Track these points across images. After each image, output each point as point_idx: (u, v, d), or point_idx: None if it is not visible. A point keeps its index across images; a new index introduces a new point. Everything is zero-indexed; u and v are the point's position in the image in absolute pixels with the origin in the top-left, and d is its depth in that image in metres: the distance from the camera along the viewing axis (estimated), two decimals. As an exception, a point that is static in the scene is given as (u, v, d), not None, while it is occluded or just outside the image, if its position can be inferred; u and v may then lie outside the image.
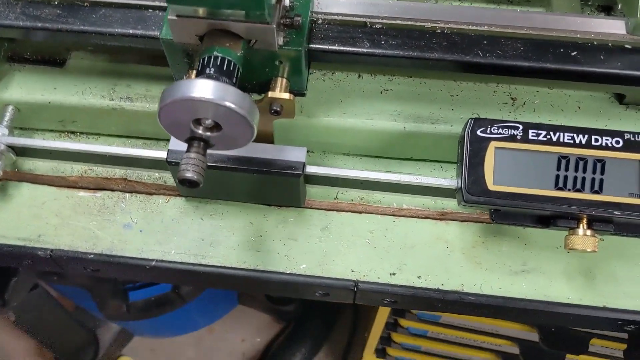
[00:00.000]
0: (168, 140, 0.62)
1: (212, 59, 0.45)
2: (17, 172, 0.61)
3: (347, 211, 0.59)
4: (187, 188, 0.44)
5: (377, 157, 0.61)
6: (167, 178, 0.61)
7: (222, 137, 0.45)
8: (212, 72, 0.44)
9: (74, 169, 0.62)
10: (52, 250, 0.57)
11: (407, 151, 0.60)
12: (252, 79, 0.51)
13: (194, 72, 0.50)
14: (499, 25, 0.51)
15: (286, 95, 0.50)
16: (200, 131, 0.44)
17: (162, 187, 0.61)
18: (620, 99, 0.58)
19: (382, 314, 1.02)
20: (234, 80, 0.45)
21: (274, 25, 0.45)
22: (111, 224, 0.59)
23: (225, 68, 0.45)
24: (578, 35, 0.51)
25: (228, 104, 0.41)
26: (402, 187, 0.57)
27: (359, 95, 0.58)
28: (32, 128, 0.63)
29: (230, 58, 0.45)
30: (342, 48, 0.51)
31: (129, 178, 0.61)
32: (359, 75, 0.60)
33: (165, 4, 0.53)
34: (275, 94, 0.50)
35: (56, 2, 0.54)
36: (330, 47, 0.51)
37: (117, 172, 0.61)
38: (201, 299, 1.43)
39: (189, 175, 0.43)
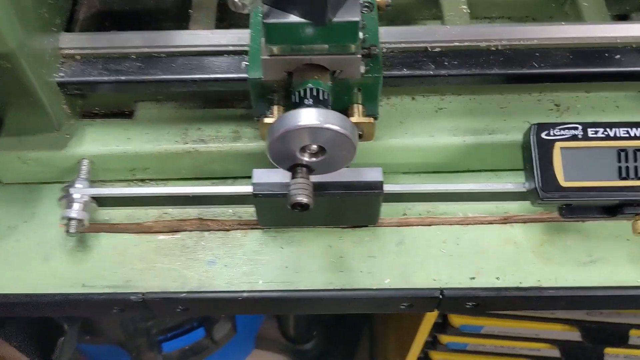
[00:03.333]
0: (235, 177, 0.65)
1: (307, 91, 0.49)
2: (93, 224, 0.63)
3: (416, 225, 0.63)
4: (298, 212, 0.47)
5: (434, 172, 0.65)
6: (242, 213, 0.63)
7: (324, 161, 0.48)
8: (310, 102, 0.48)
9: (149, 214, 0.64)
10: (143, 294, 0.59)
11: (465, 163, 0.64)
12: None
13: (277, 107, 0.54)
14: (546, 38, 0.57)
15: (368, 120, 0.53)
16: (306, 158, 0.48)
17: (237, 223, 0.63)
18: (652, 95, 0.64)
19: (422, 333, 1.04)
20: (329, 108, 0.49)
21: (360, 56, 0.49)
22: (195, 262, 0.61)
23: (321, 97, 0.48)
24: (618, 41, 0.56)
25: (334, 127, 0.45)
26: (466, 196, 0.60)
27: (416, 116, 0.63)
28: (100, 180, 0.65)
29: (323, 88, 0.49)
30: (410, 72, 0.56)
31: (204, 217, 0.63)
32: (413, 98, 0.64)
33: (236, 49, 0.57)
34: (358, 118, 0.53)
35: (134, 56, 0.57)
36: (399, 73, 0.56)
37: (191, 212, 0.64)
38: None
39: (299, 198, 0.47)
